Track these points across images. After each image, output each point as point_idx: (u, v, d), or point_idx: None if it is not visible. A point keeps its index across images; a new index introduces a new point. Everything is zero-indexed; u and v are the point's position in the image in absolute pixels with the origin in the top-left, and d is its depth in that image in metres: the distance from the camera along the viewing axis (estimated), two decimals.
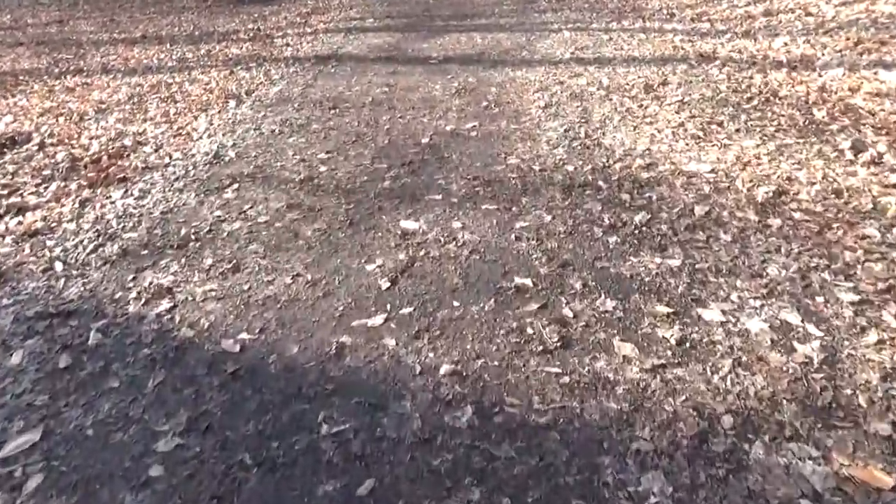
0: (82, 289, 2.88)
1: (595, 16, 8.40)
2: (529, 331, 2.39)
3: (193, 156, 4.44)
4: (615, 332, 2.36)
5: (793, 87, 4.80)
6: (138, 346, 2.45)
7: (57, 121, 5.71)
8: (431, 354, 2.30)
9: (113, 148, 4.75)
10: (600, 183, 3.53)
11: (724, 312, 2.41)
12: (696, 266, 2.71)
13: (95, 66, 8.26)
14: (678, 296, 2.53)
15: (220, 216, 3.47)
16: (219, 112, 5.48)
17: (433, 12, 9.88)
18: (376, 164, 4.06)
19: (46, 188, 4.17)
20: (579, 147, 4.06)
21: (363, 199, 3.58)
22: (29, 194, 4.09)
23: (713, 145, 3.91)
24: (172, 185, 3.94)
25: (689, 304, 2.48)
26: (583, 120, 4.54)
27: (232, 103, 5.68)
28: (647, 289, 2.59)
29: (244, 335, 2.48)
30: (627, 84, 5.26)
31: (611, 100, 4.93)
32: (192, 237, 3.26)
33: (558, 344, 2.31)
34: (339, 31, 8.95)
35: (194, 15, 12.38)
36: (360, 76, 6.27)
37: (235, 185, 3.85)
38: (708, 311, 2.43)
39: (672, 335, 2.30)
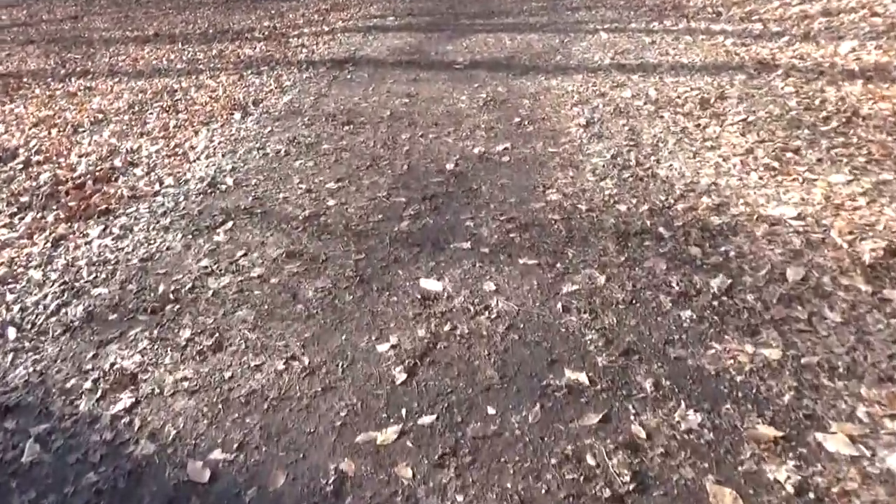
0: (31, 370, 2.32)
1: (632, 14, 7.68)
2: (590, 460, 1.77)
3: (187, 182, 3.86)
4: (706, 466, 1.73)
5: (874, 102, 4.08)
6: (83, 468, 1.88)
7: (49, 133, 5.18)
8: (460, 498, 1.69)
9: (101, 170, 4.20)
10: (661, 230, 2.88)
11: (851, 440, 1.77)
12: (802, 360, 2.06)
13: (102, 68, 7.75)
14: (785, 408, 1.89)
15: (206, 267, 2.89)
16: (222, 126, 4.90)
17: (458, 10, 9.21)
18: (393, 196, 3.44)
19: (21, 219, 3.63)
20: (631, 179, 3.41)
21: (376, 245, 2.97)
22: (0, 227, 3.56)
23: (793, 179, 3.23)
24: (158, 222, 3.36)
25: (801, 422, 1.84)
26: (631, 142, 3.88)
27: (237, 115, 5.09)
28: (740, 395, 1.95)
29: (218, 453, 1.89)
30: (679, 97, 4.58)
31: (662, 117, 4.25)
32: (171, 296, 2.68)
33: (630, 486, 1.68)
34: (358, 30, 8.32)
35: (210, 11, 11.84)
36: (378, 83, 5.65)
37: (229, 224, 3.27)
38: (829, 436, 1.79)
39: (787, 478, 1.67)
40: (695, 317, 2.31)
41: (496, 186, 3.46)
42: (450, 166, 3.76)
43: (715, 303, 2.37)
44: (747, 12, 7.03)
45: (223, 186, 3.73)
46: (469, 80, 5.54)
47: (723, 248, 2.70)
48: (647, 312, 2.35)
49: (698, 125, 4.06)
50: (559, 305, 2.43)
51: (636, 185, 3.35)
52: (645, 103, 4.54)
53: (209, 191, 3.69)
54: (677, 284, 2.48)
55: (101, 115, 5.57)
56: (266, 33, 8.98)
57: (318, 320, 2.46)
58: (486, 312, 2.43)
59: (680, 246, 2.75)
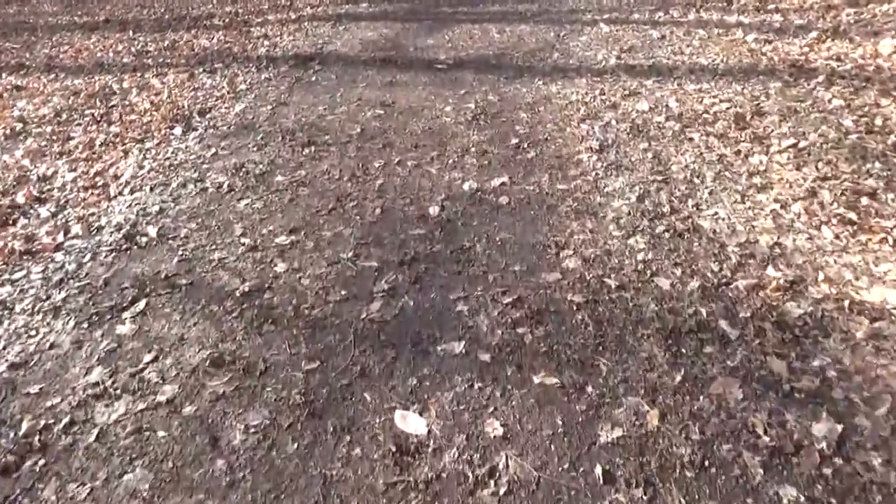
0: None
1: (633, 2, 6.80)
2: None
3: (100, 231, 2.98)
4: None
5: None
6: None
7: None
8: None
9: None
10: (723, 325, 2.08)
11: None
12: None
13: (40, 61, 6.72)
14: None
15: (97, 383, 2.03)
16: (158, 145, 3.99)
17: None
18: (362, 259, 2.60)
19: None
20: (668, 235, 2.60)
21: (336, 345, 2.14)
22: None
23: (880, 240, 2.44)
24: (49, 298, 2.49)
25: None
26: (659, 176, 3.07)
27: (178, 130, 4.17)
28: None
29: None
30: (707, 112, 3.76)
31: (690, 139, 3.44)
32: (37, 441, 1.83)
33: None
34: (327, 18, 7.35)
35: None
36: (347, 88, 4.75)
37: (141, 303, 2.41)
38: None
39: None
40: (802, 500, 1.51)
41: (494, 244, 2.63)
42: (434, 210, 2.92)
43: (827, 471, 1.57)
44: (761, 1, 6.18)
45: (143, 239, 2.85)
46: (454, 84, 4.66)
47: (816, 363, 1.90)
48: (729, 489, 1.55)
49: (738, 152, 3.25)
50: (597, 470, 1.62)
51: (676, 244, 2.53)
52: (667, 119, 3.71)
53: (124, 246, 2.81)
54: (765, 431, 1.69)
55: (20, 126, 4.61)
56: (226, 20, 7.96)
57: (244, 493, 1.63)
58: (492, 482, 1.61)
59: (754, 356, 1.95)
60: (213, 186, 3.32)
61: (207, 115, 4.42)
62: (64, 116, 4.74)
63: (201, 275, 2.57)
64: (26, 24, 9.06)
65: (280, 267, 2.59)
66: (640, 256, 2.48)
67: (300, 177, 3.36)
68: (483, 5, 7.33)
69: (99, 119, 4.63)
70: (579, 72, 4.72)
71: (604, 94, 4.22)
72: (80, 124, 4.55)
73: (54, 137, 4.31)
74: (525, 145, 3.54)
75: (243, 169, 3.48)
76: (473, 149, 3.55)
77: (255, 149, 3.76)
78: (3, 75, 6.33)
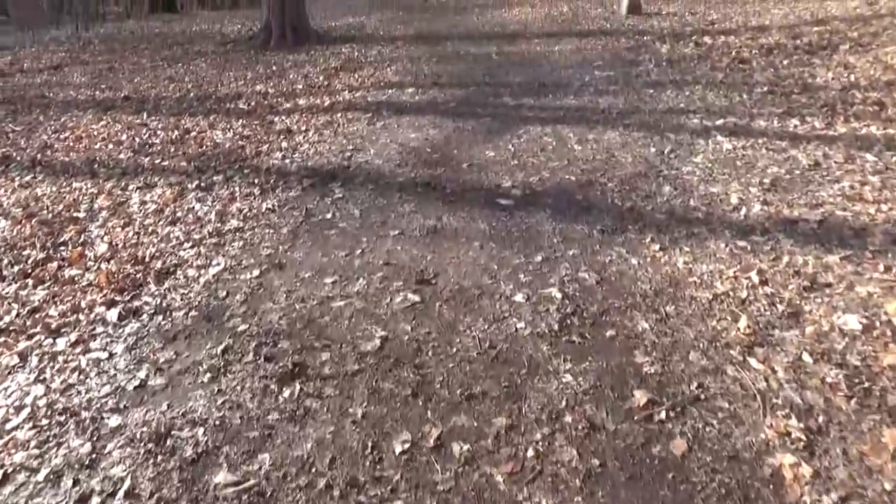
0: None
1: (748, 100, 5.19)
2: None
3: None
4: None
5: None
6: None
7: None
8: None
9: None
10: None
11: None
12: None
13: (29, 154, 5.54)
14: None
15: None
16: (70, 346, 2.51)
17: (497, 78, 6.81)
18: None
19: None
20: None
21: None
22: None
23: None
24: None
25: None
26: None
27: (112, 314, 2.71)
28: None
29: None
30: None
31: None
32: None
33: None
34: (364, 108, 5.96)
35: (206, 64, 9.68)
36: (372, 238, 3.24)
37: None
38: None
39: None
40: None
41: None
42: None
43: None
44: None
45: None
46: (525, 240, 3.10)
47: None
48: None
49: None
50: None
51: None
52: None
53: None
54: None
55: None
56: (252, 104, 6.68)
57: None
58: None
59: None
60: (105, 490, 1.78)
61: (167, 283, 2.95)
62: None
63: None
64: (43, 99, 8.04)
65: None
66: None
67: (275, 462, 1.79)
68: (552, 96, 5.82)
69: (29, 271, 3.22)
70: (710, 225, 3.09)
71: (764, 279, 2.59)
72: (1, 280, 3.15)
73: None
74: (661, 412, 1.91)
75: (167, 444, 1.94)
76: (568, 416, 1.93)
77: (206, 378, 2.22)
78: None
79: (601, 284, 2.65)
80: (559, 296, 2.58)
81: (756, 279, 2.59)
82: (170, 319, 2.63)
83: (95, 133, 6.11)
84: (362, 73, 7.66)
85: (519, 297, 2.60)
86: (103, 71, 9.75)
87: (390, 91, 6.53)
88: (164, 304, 2.75)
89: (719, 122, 4.63)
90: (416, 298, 2.63)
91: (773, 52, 6.97)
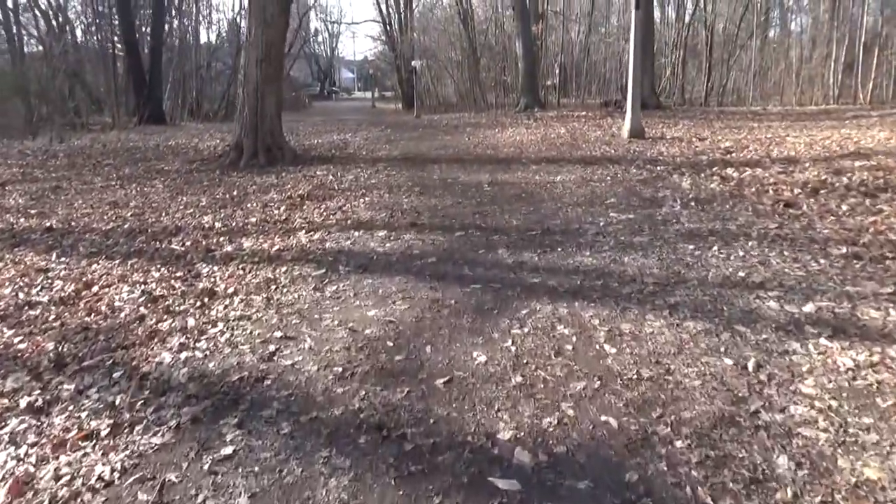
0: None
1: (830, 267, 3.76)
2: None
3: None
4: None
5: None
6: None
7: None
8: None
9: None
10: None
11: None
12: None
13: None
14: None
15: None
16: None
17: (491, 220, 5.44)
18: None
19: None
20: None
21: None
22: None
23: None
24: None
25: None
26: None
27: None
28: None
29: None
30: None
31: None
32: None
33: None
34: (318, 258, 4.52)
35: (162, 185, 8.39)
36: None
37: None
38: None
39: None
40: None
41: None
42: None
43: None
44: None
45: None
46: None
47: None
48: None
49: None
50: None
51: None
52: None
53: None
54: None
55: None
56: (188, 243, 5.24)
57: None
58: None
59: None
60: None
61: None
62: None
63: None
64: None
65: None
66: None
67: None
68: (563, 250, 4.38)
69: None
70: None
71: None
72: None
73: None
74: None
75: None
76: None
77: None
78: None
79: None
80: None
81: None
82: None
83: (11, 277, 4.63)
84: (330, 205, 6.31)
85: None
86: (46, 191, 8.43)
87: (356, 234, 5.11)
88: None
89: (808, 308, 3.15)
90: None
91: (820, 192, 5.69)
